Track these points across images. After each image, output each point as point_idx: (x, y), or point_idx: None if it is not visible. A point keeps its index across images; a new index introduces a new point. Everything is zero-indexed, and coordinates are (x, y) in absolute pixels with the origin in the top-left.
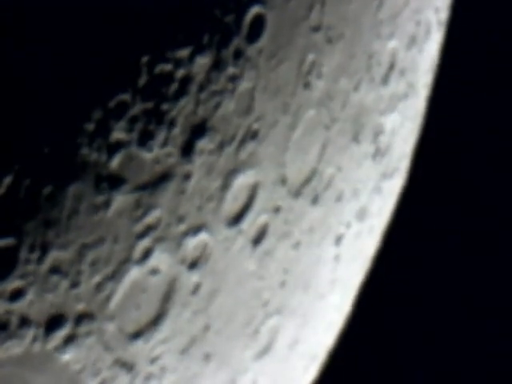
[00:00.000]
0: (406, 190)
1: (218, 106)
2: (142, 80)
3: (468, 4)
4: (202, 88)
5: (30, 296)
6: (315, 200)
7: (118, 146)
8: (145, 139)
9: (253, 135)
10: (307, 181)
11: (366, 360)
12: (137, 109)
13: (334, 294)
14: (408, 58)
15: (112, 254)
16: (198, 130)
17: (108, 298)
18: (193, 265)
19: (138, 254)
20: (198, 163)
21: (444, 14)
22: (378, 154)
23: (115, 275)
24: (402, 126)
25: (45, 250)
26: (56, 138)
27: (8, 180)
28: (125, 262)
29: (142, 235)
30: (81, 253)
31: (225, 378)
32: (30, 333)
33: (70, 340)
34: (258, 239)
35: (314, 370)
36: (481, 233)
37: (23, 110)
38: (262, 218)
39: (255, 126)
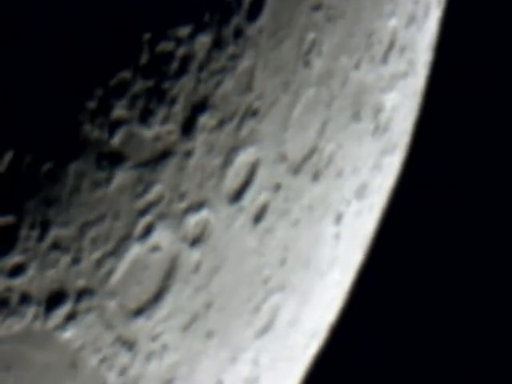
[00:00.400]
0: (406, 166)
1: (218, 84)
2: (144, 58)
3: None
4: (202, 66)
5: (30, 272)
6: (315, 177)
7: (119, 123)
8: (146, 117)
9: (253, 113)
10: (307, 158)
11: (366, 337)
12: (138, 87)
13: (334, 271)
14: (407, 37)
15: (113, 230)
16: (199, 107)
17: (109, 275)
18: (194, 242)
19: (139, 231)
20: (198, 141)
21: None
22: (378, 131)
23: (116, 252)
24: (402, 103)
25: (45, 227)
26: (57, 116)
27: (9, 157)
28: (126, 239)
29: (143, 212)
30: (82, 230)
31: (226, 355)
32: (31, 310)
33: (70, 317)
34: (258, 216)
35: (314, 346)
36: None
37: (24, 87)
38: (263, 196)
39: (255, 104)
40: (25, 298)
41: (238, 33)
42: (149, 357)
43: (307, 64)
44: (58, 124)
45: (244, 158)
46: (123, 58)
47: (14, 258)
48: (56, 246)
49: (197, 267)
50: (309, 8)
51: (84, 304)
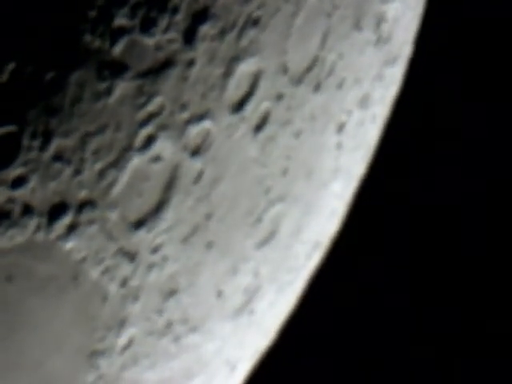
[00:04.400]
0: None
1: None
2: None
3: None
4: None
5: (32, 183)
6: (317, 87)
7: (120, 32)
8: (147, 26)
9: (254, 22)
10: (309, 68)
11: (368, 246)
12: None
13: (336, 182)
14: None
15: (114, 141)
16: (200, 16)
17: (110, 186)
18: (195, 152)
19: (140, 142)
20: (200, 50)
21: None
22: (380, 41)
23: (118, 163)
24: (404, 14)
25: (47, 137)
26: (59, 25)
27: (11, 66)
28: (127, 150)
29: (144, 123)
30: (83, 140)
31: (227, 266)
32: (33, 221)
33: (72, 229)
34: (259, 126)
35: (316, 257)
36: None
37: None
38: (264, 105)
39: (257, 13)
40: (27, 210)
41: None
42: (149, 268)
43: None
44: (59, 33)
45: (245, 68)
46: None
47: (16, 169)
48: (58, 156)
49: (198, 178)
50: None
51: (86, 215)
